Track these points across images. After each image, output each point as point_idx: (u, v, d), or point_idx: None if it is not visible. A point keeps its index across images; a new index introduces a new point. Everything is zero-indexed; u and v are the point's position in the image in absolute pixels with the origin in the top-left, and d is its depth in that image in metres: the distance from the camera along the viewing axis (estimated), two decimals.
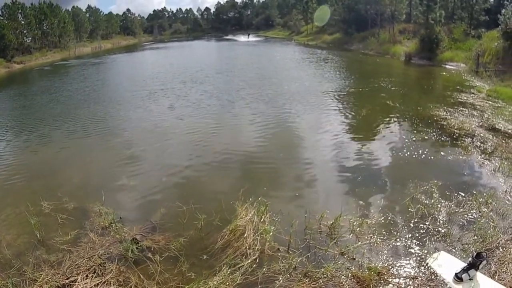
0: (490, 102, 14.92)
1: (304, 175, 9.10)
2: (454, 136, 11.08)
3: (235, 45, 62.93)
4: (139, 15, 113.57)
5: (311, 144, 11.15)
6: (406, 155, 9.96)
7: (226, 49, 54.54)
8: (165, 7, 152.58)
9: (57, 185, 8.88)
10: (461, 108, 14.02)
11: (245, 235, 6.30)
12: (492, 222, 6.53)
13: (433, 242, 6.13)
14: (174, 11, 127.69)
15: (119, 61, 43.49)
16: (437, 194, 7.57)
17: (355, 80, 22.34)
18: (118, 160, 10.41)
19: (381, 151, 10.32)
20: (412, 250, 5.96)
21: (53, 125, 14.69)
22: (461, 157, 9.69)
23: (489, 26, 27.64)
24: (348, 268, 5.57)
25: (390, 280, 5.31)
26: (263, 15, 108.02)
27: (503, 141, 10.47)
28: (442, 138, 11.08)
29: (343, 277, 5.41)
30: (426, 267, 5.52)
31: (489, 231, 6.22)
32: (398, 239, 6.24)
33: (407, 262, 5.69)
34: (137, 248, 6.11)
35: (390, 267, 5.56)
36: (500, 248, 5.85)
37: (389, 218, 6.91)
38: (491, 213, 6.85)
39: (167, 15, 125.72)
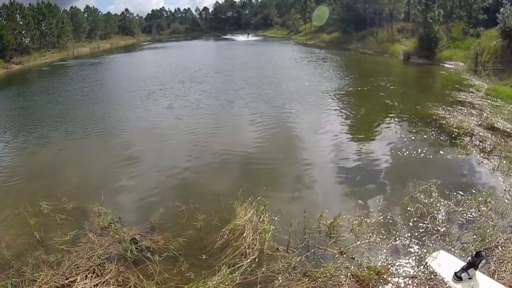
0: (489, 101, 14.92)
1: (303, 174, 9.10)
2: (453, 135, 11.08)
3: (234, 44, 62.91)
4: (137, 15, 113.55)
5: (310, 144, 11.15)
6: (405, 154, 9.97)
7: (225, 49, 54.50)
8: (163, 7, 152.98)
9: (56, 185, 8.88)
10: (460, 107, 14.02)
11: (244, 235, 6.29)
12: (491, 221, 6.54)
13: (432, 241, 6.13)
14: (173, 11, 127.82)
15: (117, 61, 43.45)
16: (436, 193, 7.57)
17: (354, 79, 22.33)
18: (117, 161, 10.40)
19: (380, 151, 10.32)
20: (412, 249, 5.96)
21: (51, 125, 14.68)
22: (460, 156, 9.70)
23: (488, 25, 27.61)
24: (347, 268, 5.57)
25: (389, 279, 5.32)
26: (262, 14, 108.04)
27: (502, 140, 10.48)
28: (441, 137, 11.08)
29: (342, 276, 5.41)
30: (426, 266, 5.53)
31: (488, 230, 6.22)
32: (397, 238, 6.24)
33: (407, 261, 5.69)
34: (136, 248, 6.11)
35: (390, 266, 5.56)
36: (499, 247, 5.85)
37: (388, 217, 6.91)
38: (490, 212, 6.86)
39: (165, 15, 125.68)
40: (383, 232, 6.43)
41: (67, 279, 5.49)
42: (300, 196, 7.99)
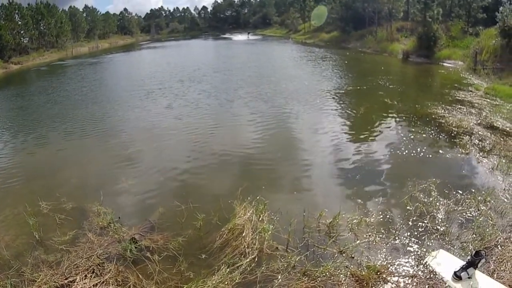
0: (488, 100, 14.92)
1: (302, 174, 9.09)
2: (452, 134, 11.08)
3: (233, 44, 62.84)
4: (136, 14, 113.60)
5: (310, 143, 11.15)
6: (404, 153, 9.97)
7: (224, 48, 54.45)
8: (162, 6, 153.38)
9: (55, 185, 8.87)
10: (459, 106, 14.02)
11: (243, 234, 6.29)
12: (491, 220, 6.54)
13: (432, 241, 6.13)
14: (171, 10, 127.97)
15: (116, 61, 43.40)
16: (436, 192, 7.57)
17: (353, 79, 22.34)
18: (117, 160, 10.39)
19: (379, 150, 10.32)
20: (411, 249, 5.96)
21: (50, 125, 14.66)
22: (459, 155, 9.70)
23: (487, 24, 27.62)
24: (347, 267, 5.57)
25: (389, 278, 5.32)
26: (261, 13, 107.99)
27: (501, 139, 10.48)
28: (440, 136, 11.08)
29: (342, 275, 5.41)
30: (425, 265, 5.53)
31: (487, 229, 6.23)
32: (396, 238, 6.25)
33: (406, 260, 5.69)
34: (135, 247, 6.11)
35: (389, 265, 5.57)
36: (498, 246, 5.86)
37: (388, 216, 6.91)
38: (489, 211, 6.86)
39: (164, 14, 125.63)
40: (382, 231, 6.44)
41: (66, 279, 5.49)
42: (299, 196, 8.00)
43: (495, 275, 5.25)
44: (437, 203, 7.20)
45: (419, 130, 11.72)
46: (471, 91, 16.89)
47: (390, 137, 11.35)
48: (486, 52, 22.56)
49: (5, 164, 10.62)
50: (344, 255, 5.88)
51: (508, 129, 11.24)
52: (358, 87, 19.26)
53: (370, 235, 6.32)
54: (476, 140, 10.49)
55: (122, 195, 8.41)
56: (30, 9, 54.41)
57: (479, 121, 12.07)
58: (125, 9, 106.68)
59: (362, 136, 11.58)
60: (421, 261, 5.64)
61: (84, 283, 5.38)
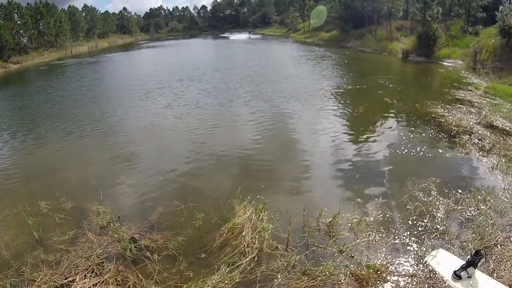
0: (488, 99, 14.92)
1: (302, 173, 9.09)
2: (452, 133, 11.08)
3: (232, 43, 62.80)
4: (135, 13, 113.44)
5: (309, 142, 11.14)
6: (404, 152, 9.97)
7: (223, 47, 54.38)
8: (161, 6, 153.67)
9: (54, 185, 8.86)
10: (459, 105, 14.02)
11: (243, 234, 6.29)
12: (491, 220, 6.55)
13: (432, 240, 6.13)
14: (171, 9, 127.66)
15: (115, 60, 43.38)
16: (435, 192, 7.57)
17: (353, 78, 22.33)
18: (116, 160, 10.39)
19: (378, 149, 10.32)
20: (411, 248, 5.97)
21: (50, 125, 14.65)
22: (459, 154, 9.70)
23: (487, 23, 27.63)
24: (346, 266, 5.57)
25: (388, 278, 5.32)
26: (260, 12, 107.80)
27: (501, 138, 10.48)
28: (440, 135, 11.08)
29: (341, 275, 5.41)
30: (425, 265, 5.53)
31: (487, 229, 6.23)
32: (396, 237, 6.25)
33: (406, 260, 5.69)
34: (135, 247, 6.11)
35: (389, 265, 5.57)
36: (498, 245, 5.86)
37: (388, 215, 6.91)
38: (489, 210, 6.86)
39: (163, 14, 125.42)
40: (382, 230, 6.44)
41: (66, 278, 5.48)
42: (299, 195, 8.00)
43: (495, 275, 5.25)
44: (437, 202, 7.20)
45: (419, 129, 11.72)
46: (470, 90, 16.88)
47: (389, 136, 11.34)
48: (485, 51, 22.56)
49: (4, 164, 10.60)
50: (344, 254, 5.88)
51: (507, 128, 11.24)
52: (358, 86, 19.25)
53: (369, 235, 6.32)
54: (476, 139, 10.49)
55: (121, 194, 8.41)
56: (29, 8, 54.38)
57: (478, 120, 12.07)
58: (124, 8, 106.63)
59: (361, 136, 11.57)
60: (421, 260, 5.64)
61: (84, 283, 5.37)
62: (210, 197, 7.88)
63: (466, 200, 7.24)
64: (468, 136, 10.72)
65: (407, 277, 5.31)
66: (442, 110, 13.36)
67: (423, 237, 6.22)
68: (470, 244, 5.94)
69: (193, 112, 15.17)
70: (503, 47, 21.57)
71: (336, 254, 5.89)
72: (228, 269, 5.52)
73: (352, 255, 5.85)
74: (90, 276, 5.53)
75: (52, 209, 7.58)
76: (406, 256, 5.78)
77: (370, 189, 8.00)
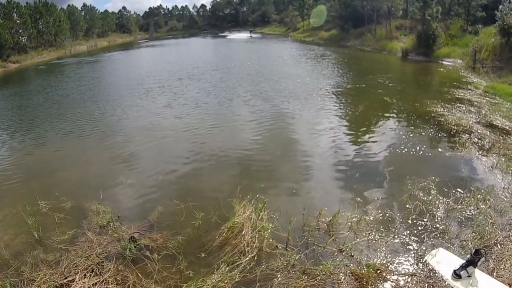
0: (487, 99, 14.92)
1: (301, 172, 9.09)
2: (452, 133, 11.08)
3: (231, 42, 62.70)
4: (134, 12, 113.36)
5: (309, 141, 11.14)
6: (404, 151, 9.97)
7: (223, 46, 54.29)
8: (160, 5, 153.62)
9: (54, 184, 8.86)
10: (459, 104, 14.02)
11: (243, 233, 6.29)
12: (490, 219, 6.55)
13: (431, 239, 6.14)
14: (170, 8, 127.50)
15: (115, 59, 43.34)
16: (435, 191, 7.58)
17: (352, 77, 22.31)
18: (116, 159, 10.38)
19: (378, 148, 10.32)
20: (410, 247, 5.97)
21: (49, 124, 14.63)
22: (458, 153, 9.70)
23: (486, 22, 27.57)
24: (346, 265, 5.58)
25: (388, 277, 5.32)
26: (259, 11, 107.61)
27: (501, 138, 10.47)
28: (439, 135, 11.08)
29: (341, 274, 5.42)
30: (425, 264, 5.53)
31: (487, 228, 6.23)
32: (396, 236, 6.25)
33: (406, 259, 5.70)
34: (135, 246, 6.11)
35: (389, 264, 5.57)
36: (498, 245, 5.87)
37: (387, 215, 6.91)
38: (489, 210, 6.86)
39: (162, 13, 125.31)
40: (382, 229, 6.44)
41: (65, 278, 5.48)
42: (298, 194, 8.00)
43: (494, 274, 5.25)
44: (437, 202, 7.20)
45: (419, 128, 11.71)
46: (470, 89, 16.88)
47: (389, 135, 11.34)
48: (485, 51, 22.54)
49: (3, 164, 10.59)
50: (343, 253, 5.89)
51: (507, 127, 11.24)
52: (358, 85, 19.24)
53: (369, 234, 6.33)
54: (476, 139, 10.49)
55: (121, 194, 8.40)
56: (29, 7, 54.36)
57: (478, 120, 12.07)
58: (124, 8, 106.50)
59: (361, 135, 11.56)
60: (421, 259, 5.64)
61: (84, 282, 5.37)
62: (209, 196, 7.88)
63: (466, 199, 7.24)
64: (468, 135, 10.72)
65: (407, 276, 5.31)
66: (442, 109, 13.36)
67: (423, 236, 6.23)
68: (469, 243, 5.94)
69: (193, 112, 15.16)
70: (502, 46, 21.55)
71: (336, 253, 5.90)
72: (228, 268, 5.52)
73: (352, 254, 5.85)
74: (90, 275, 5.53)
75: (51, 208, 7.58)
76: (406, 255, 5.79)
77: (369, 188, 8.00)
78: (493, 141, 10.24)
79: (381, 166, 9.25)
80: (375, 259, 5.69)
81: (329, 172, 9.07)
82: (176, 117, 14.44)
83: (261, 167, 9.49)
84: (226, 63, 31.50)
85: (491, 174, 8.43)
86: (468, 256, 5.28)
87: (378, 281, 5.26)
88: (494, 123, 11.67)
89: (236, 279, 5.34)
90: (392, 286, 5.20)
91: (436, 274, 5.31)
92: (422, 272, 5.40)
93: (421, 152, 9.87)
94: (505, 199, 7.27)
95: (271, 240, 6.22)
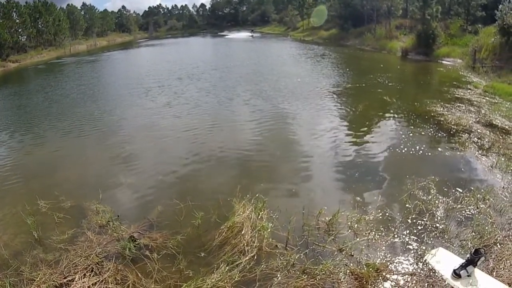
0: (487, 98, 14.92)
1: (301, 171, 9.09)
2: (451, 132, 11.08)
3: (231, 41, 62.64)
4: (134, 12, 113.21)
5: (308, 141, 11.13)
6: (403, 151, 9.96)
7: (222, 45, 54.25)
8: (160, 4, 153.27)
9: (54, 184, 8.85)
10: (458, 104, 14.02)
11: (242, 232, 6.29)
12: (490, 219, 6.55)
13: (431, 239, 6.14)
14: (170, 8, 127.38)
15: (114, 59, 43.30)
16: (435, 190, 7.58)
17: (352, 76, 22.31)
18: (115, 159, 10.37)
19: (378, 147, 10.32)
20: (410, 247, 5.97)
21: (48, 124, 14.61)
22: (458, 153, 9.70)
23: (486, 22, 27.55)
24: (346, 265, 5.58)
25: (388, 276, 5.32)
26: (259, 11, 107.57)
27: (500, 137, 10.47)
28: (439, 134, 11.08)
29: (341, 273, 5.41)
30: (424, 263, 5.53)
31: (486, 228, 6.24)
32: (396, 236, 6.25)
33: (405, 258, 5.70)
34: (134, 246, 6.10)
35: (388, 263, 5.57)
36: (498, 244, 5.87)
37: (387, 214, 6.91)
38: (488, 209, 6.87)
39: (162, 12, 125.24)
40: (381, 229, 6.44)
41: (65, 278, 5.48)
42: (298, 193, 8.00)
43: (494, 273, 5.25)
44: (436, 201, 7.21)
45: (418, 128, 11.71)
46: (470, 89, 16.88)
47: (389, 135, 11.34)
48: (485, 50, 22.54)
49: (3, 164, 10.57)
50: (343, 253, 5.88)
51: (507, 127, 11.24)
52: (357, 85, 19.23)
53: (369, 233, 6.32)
54: (475, 138, 10.49)
55: (120, 193, 8.40)
56: (28, 7, 54.27)
57: (478, 119, 12.07)
58: (123, 7, 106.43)
59: (361, 134, 11.56)
60: (421, 259, 5.64)
61: (83, 282, 5.37)
62: (209, 196, 7.87)
63: (466, 198, 7.24)
64: (468, 135, 10.72)
65: (406, 276, 5.31)
66: (442, 109, 13.36)
67: (422, 235, 6.23)
68: (469, 243, 5.95)
69: (193, 111, 15.14)
70: (502, 46, 21.55)
71: (335, 253, 5.90)
72: (227, 268, 5.52)
73: (352, 253, 5.85)
74: (90, 275, 5.53)
75: (51, 208, 7.57)
76: (406, 254, 5.79)
77: (369, 188, 8.01)
78: (492, 141, 10.24)
79: (380, 165, 9.24)
80: (375, 259, 5.69)
81: (328, 172, 9.07)
82: (175, 117, 14.42)
83: (261, 167, 9.49)
84: (226, 62, 31.48)
85: (491, 174, 8.44)
86: (468, 255, 5.28)
87: (378, 281, 5.26)
88: (494, 122, 11.68)
89: (236, 279, 5.34)
90: (392, 285, 5.20)
91: (436, 274, 5.31)
92: (422, 271, 5.40)
93: (421, 151, 9.87)
94: (504, 198, 7.28)
95: (270, 239, 6.21)
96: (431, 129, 11.46)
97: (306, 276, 5.36)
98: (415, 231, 6.37)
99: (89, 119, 14.79)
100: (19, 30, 51.34)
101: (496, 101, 14.46)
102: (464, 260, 5.24)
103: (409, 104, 14.69)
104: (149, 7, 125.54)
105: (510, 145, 9.88)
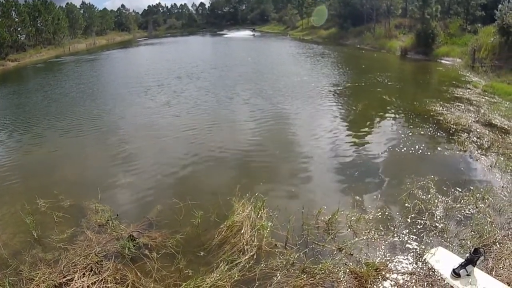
0: (486, 98, 14.93)
1: (301, 171, 9.09)
2: (451, 131, 11.09)
3: (231, 40, 62.59)
4: (133, 10, 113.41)
5: (308, 140, 11.13)
6: (403, 150, 9.97)
7: (222, 44, 54.23)
8: (159, 3, 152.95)
9: (53, 183, 8.83)
10: (458, 103, 14.03)
11: (242, 231, 6.29)
12: (489, 218, 6.55)
13: (431, 238, 6.14)
14: (169, 7, 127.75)
15: (114, 57, 43.26)
16: (434, 190, 7.58)
17: (352, 75, 22.31)
18: (115, 158, 10.35)
19: (377, 147, 10.32)
20: (410, 246, 5.97)
21: (47, 123, 14.57)
22: (457, 152, 9.71)
23: (485, 21, 27.56)
24: (345, 264, 5.57)
25: (387, 276, 5.32)
26: (258, 10, 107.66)
27: (500, 137, 10.48)
28: (438, 133, 11.08)
29: (341, 273, 5.41)
30: (424, 262, 5.53)
31: (486, 227, 6.23)
32: (395, 235, 6.25)
33: (405, 257, 5.70)
34: (134, 245, 6.09)
35: (388, 262, 5.57)
36: (497, 243, 5.87)
37: (387, 213, 6.91)
38: (488, 208, 6.87)
39: (161, 11, 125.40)
40: (381, 228, 6.44)
41: (64, 277, 5.47)
42: (298, 193, 7.99)
43: (493, 273, 5.26)
44: (436, 200, 7.21)
45: (417, 127, 11.72)
46: (469, 88, 16.89)
47: (388, 134, 11.34)
48: (484, 50, 22.55)
49: (2, 163, 10.54)
50: (343, 252, 5.88)
51: (506, 126, 11.25)
52: (357, 84, 19.24)
53: (369, 232, 6.32)
54: (474, 138, 10.50)
55: (120, 192, 8.39)
56: (27, 6, 54.15)
57: (477, 119, 12.08)
58: (123, 6, 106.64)
59: (360, 133, 11.57)
60: (420, 258, 5.64)
61: (83, 281, 5.36)
62: (208, 195, 7.86)
63: (465, 198, 7.25)
64: (467, 134, 10.73)
65: (406, 275, 5.31)
66: (441, 108, 13.37)
67: (422, 235, 6.23)
68: (469, 242, 5.95)
69: (192, 111, 15.12)
70: (501, 45, 21.56)
71: (335, 252, 5.89)
72: (227, 267, 5.51)
73: (351, 253, 5.85)
74: (89, 274, 5.51)
75: (50, 207, 7.56)
76: (405, 254, 5.79)
77: (369, 187, 8.01)
78: (492, 140, 10.24)
79: (380, 165, 9.25)
80: (375, 258, 5.68)
81: (328, 171, 9.07)
82: (175, 116, 14.41)
83: (260, 166, 9.49)
84: (225, 61, 31.48)
85: (490, 173, 8.44)
86: (467, 255, 5.28)
87: (377, 280, 5.26)
88: (493, 122, 11.69)
89: (235, 278, 5.33)
90: (391, 284, 5.20)
91: (435, 273, 5.31)
92: (421, 271, 5.40)
93: (420, 151, 9.87)
94: (504, 198, 7.28)
95: (270, 238, 6.20)
96: (430, 129, 11.47)
97: (305, 275, 5.36)
98: (414, 230, 6.37)
99: (88, 118, 14.76)
100: (18, 29, 51.19)
101: (495, 100, 14.47)
102: (464, 260, 5.25)
103: (409, 104, 14.70)
104: (149, 6, 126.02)
105: (509, 145, 9.89)
